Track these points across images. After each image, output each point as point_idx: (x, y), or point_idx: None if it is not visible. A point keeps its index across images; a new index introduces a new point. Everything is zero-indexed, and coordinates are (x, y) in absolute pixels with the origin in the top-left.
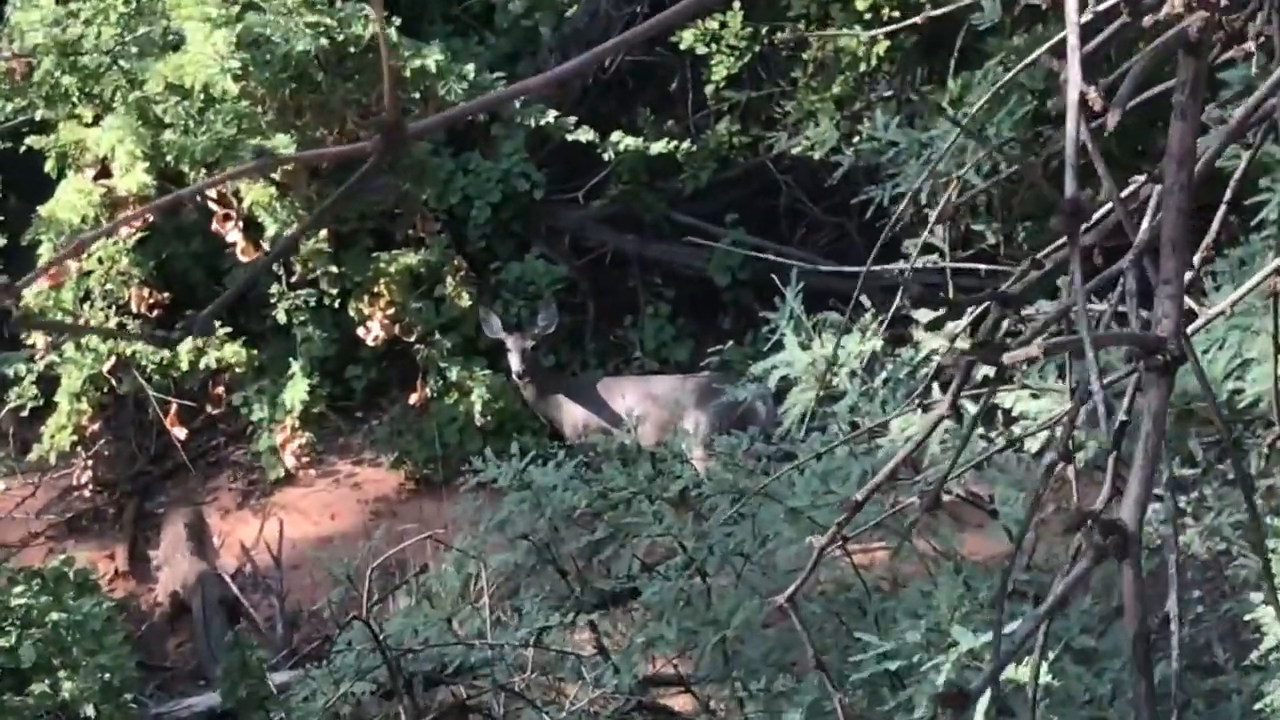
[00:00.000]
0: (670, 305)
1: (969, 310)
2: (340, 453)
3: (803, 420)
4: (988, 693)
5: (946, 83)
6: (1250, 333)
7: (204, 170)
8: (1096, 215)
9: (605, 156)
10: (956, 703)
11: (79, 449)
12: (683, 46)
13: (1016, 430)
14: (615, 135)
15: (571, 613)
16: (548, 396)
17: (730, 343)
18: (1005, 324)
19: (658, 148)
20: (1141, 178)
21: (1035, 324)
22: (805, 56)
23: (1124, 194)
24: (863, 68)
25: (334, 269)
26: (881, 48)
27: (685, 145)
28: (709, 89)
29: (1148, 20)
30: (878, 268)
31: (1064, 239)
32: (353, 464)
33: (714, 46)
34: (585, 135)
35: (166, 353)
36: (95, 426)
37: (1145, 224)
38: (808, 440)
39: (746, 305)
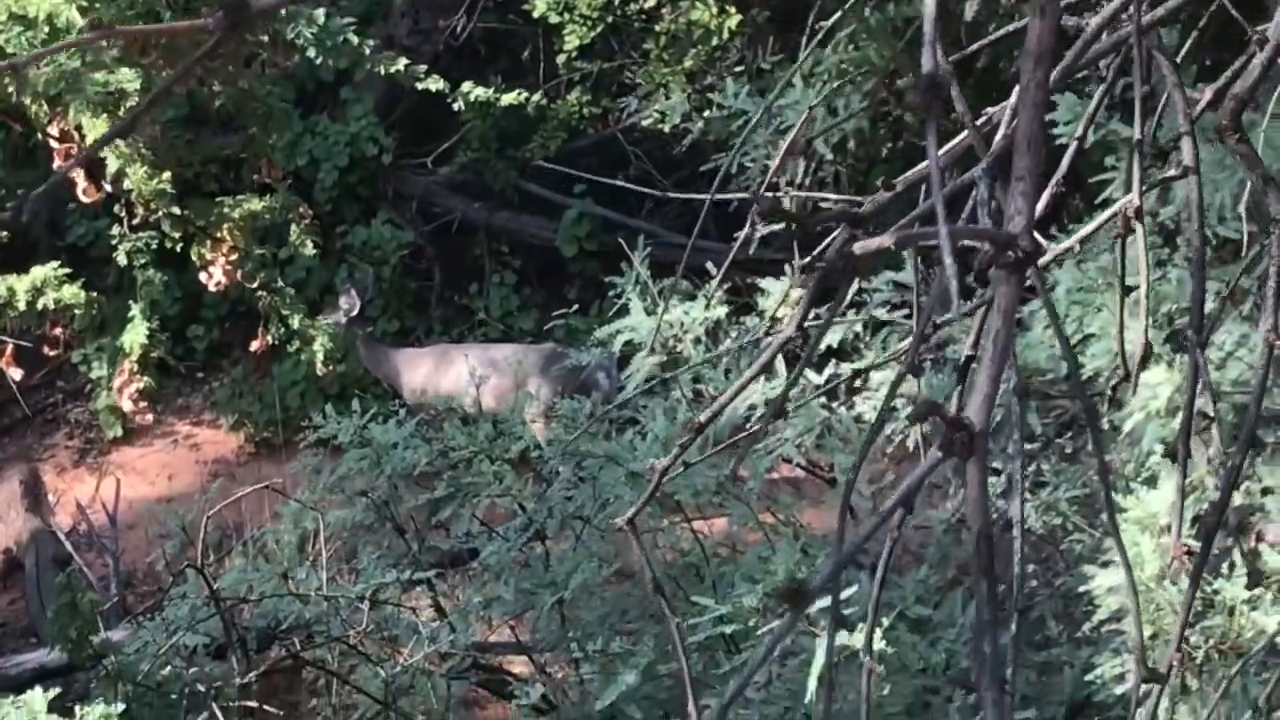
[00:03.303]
0: (516, 274)
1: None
2: (179, 414)
3: (645, 386)
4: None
5: (797, 58)
6: (1092, 309)
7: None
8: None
9: (455, 107)
10: (796, 600)
11: None
12: (535, 14)
13: (858, 401)
14: (466, 85)
15: (409, 570)
16: (385, 361)
17: (575, 309)
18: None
19: (508, 99)
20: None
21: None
22: (658, 29)
23: (979, 121)
24: (714, 41)
25: (176, 210)
26: (733, 21)
27: (537, 98)
28: (560, 58)
29: None
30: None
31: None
32: (192, 425)
33: (566, 16)
34: (435, 85)
35: (3, 291)
36: None
37: (998, 138)
38: (649, 406)
39: (593, 276)
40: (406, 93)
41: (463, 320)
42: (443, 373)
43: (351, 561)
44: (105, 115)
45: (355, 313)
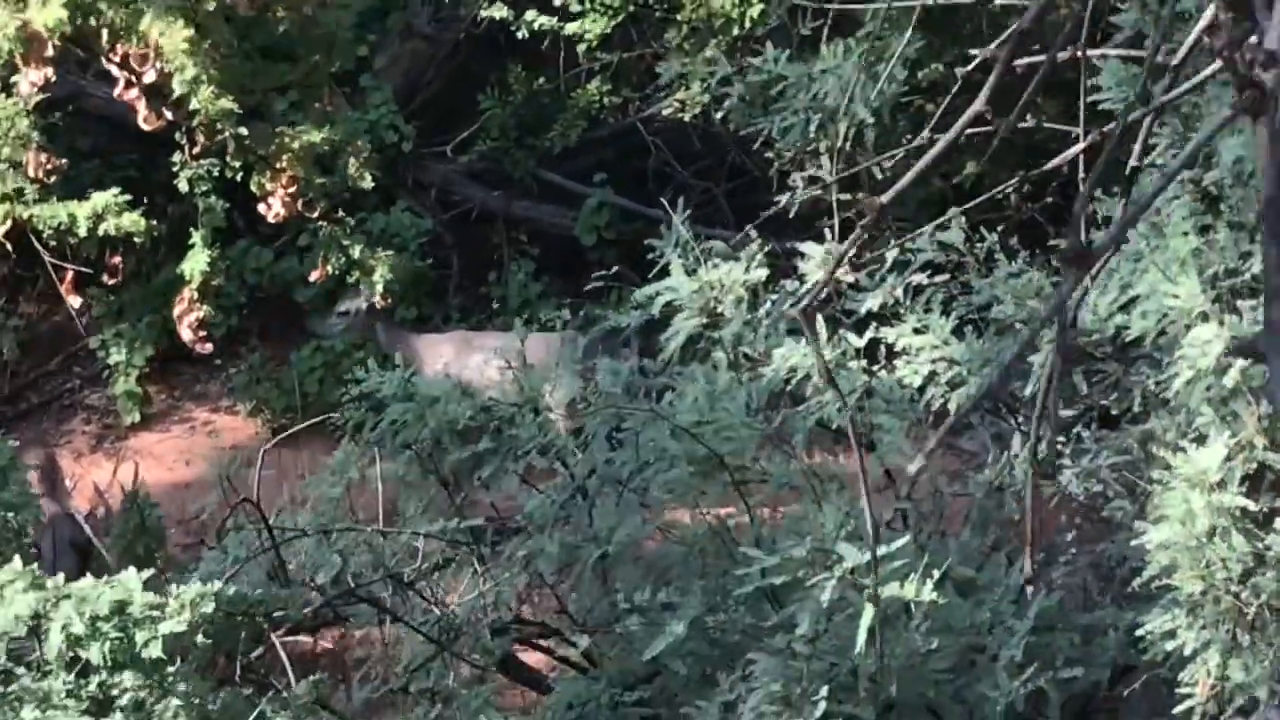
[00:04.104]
0: (535, 263)
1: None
2: (197, 400)
3: (685, 348)
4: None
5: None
6: (1139, 268)
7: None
8: None
9: (519, 35)
10: (1080, 261)
11: None
12: (556, 3)
13: (900, 365)
14: (530, 14)
15: (456, 520)
16: (405, 347)
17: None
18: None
19: (572, 28)
20: None
21: None
22: (679, 19)
23: None
24: (736, 31)
25: (243, 131)
26: (755, 10)
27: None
28: (581, 48)
29: None
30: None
31: None
32: (210, 411)
33: (588, 4)
34: (499, 12)
35: (65, 217)
36: None
37: None
38: (685, 373)
39: (611, 266)
40: (426, 81)
41: (481, 308)
42: (464, 360)
43: (394, 518)
44: (182, 22)
45: (375, 299)
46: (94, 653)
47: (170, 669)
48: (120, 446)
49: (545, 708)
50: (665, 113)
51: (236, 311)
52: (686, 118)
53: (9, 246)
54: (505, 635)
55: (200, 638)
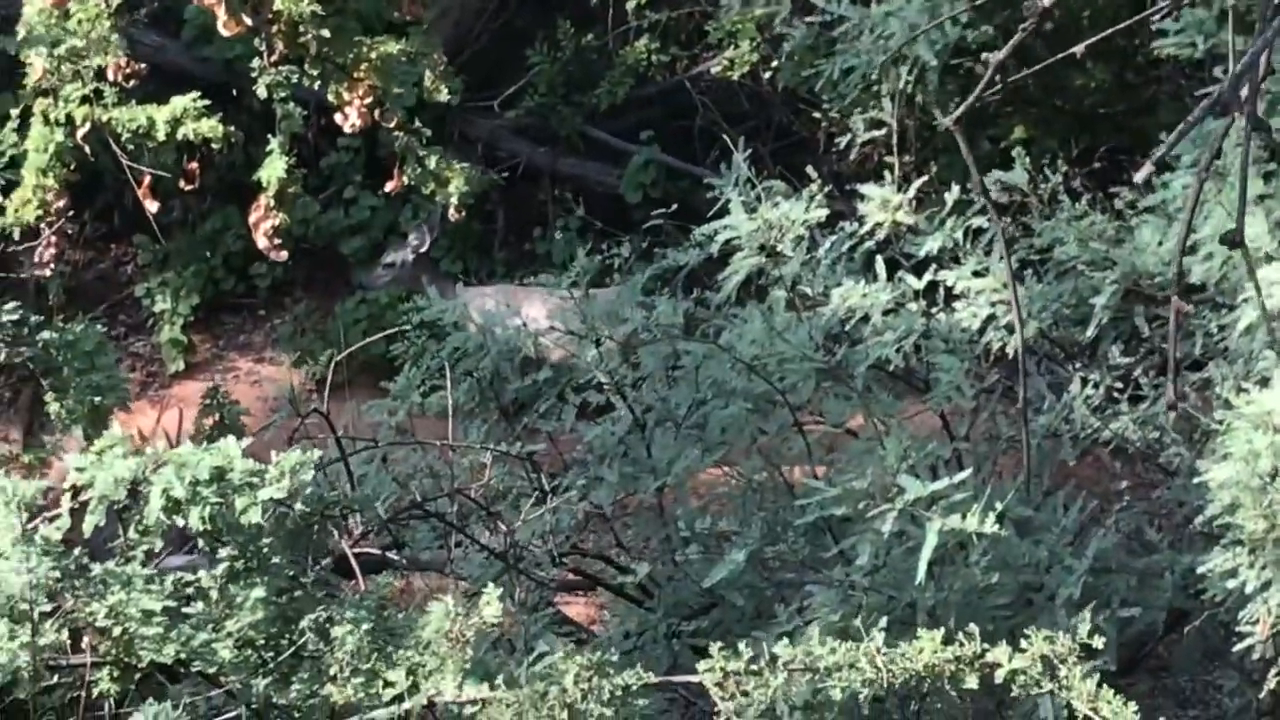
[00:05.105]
0: (580, 220)
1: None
2: (241, 350)
3: (746, 285)
4: None
5: None
6: (1202, 212)
7: None
8: None
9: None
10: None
11: (43, 225)
12: None
13: (959, 307)
14: None
15: (518, 443)
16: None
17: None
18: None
19: None
20: None
21: None
22: None
23: None
24: None
25: (326, 33)
26: None
27: None
28: (630, 5)
29: None
30: None
31: None
32: (254, 361)
33: None
34: None
35: (144, 121)
36: (61, 203)
37: None
38: (739, 314)
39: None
40: (475, 35)
41: (525, 264)
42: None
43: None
44: None
45: (425, 248)
46: (193, 517)
47: (265, 541)
48: (164, 394)
49: (600, 639)
50: (713, 71)
51: (282, 262)
52: (735, 76)
53: (87, 149)
54: (562, 567)
55: (300, 505)
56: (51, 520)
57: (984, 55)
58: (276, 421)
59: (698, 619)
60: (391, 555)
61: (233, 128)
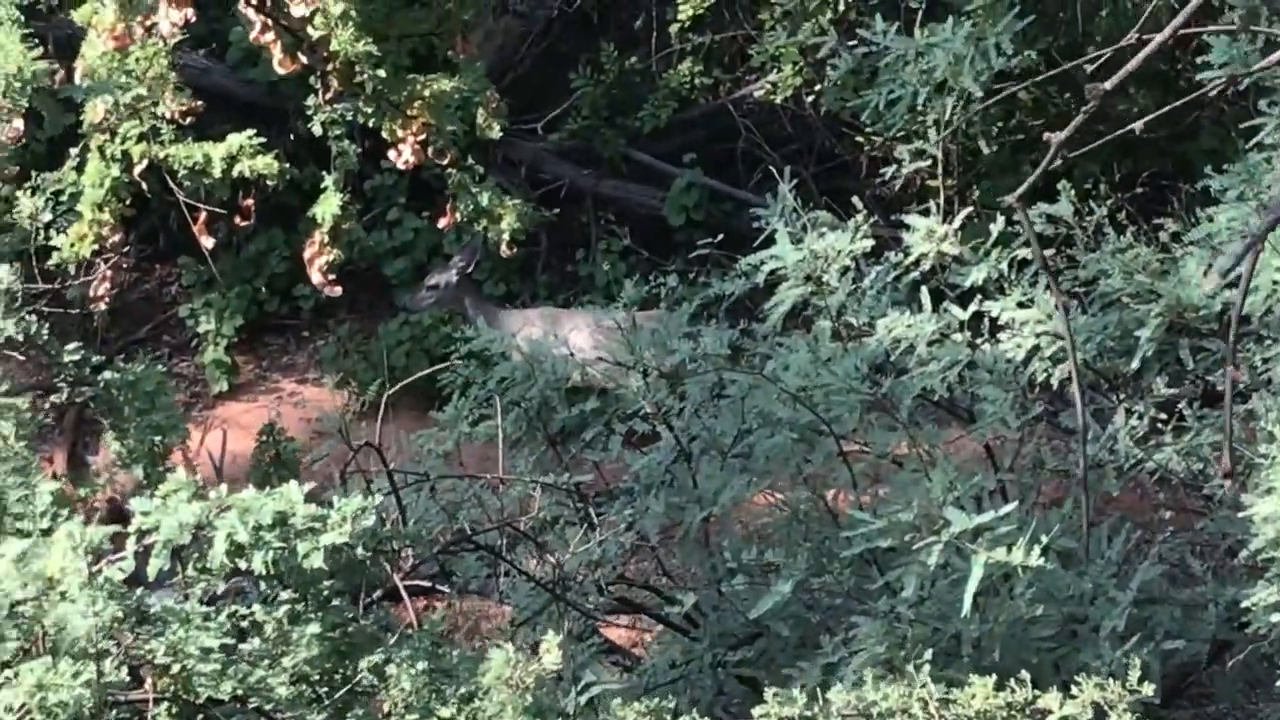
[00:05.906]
0: (623, 243)
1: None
2: (285, 371)
3: (791, 315)
4: None
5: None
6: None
7: None
8: None
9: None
10: None
11: (98, 260)
12: None
13: (1003, 338)
14: None
15: (566, 474)
16: (494, 322)
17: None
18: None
19: None
20: None
21: None
22: (772, 1)
23: None
24: (829, 15)
25: (381, 73)
26: None
27: None
28: (674, 29)
29: None
30: None
31: None
32: (296, 382)
33: None
34: None
35: (200, 158)
36: (117, 237)
37: None
38: (786, 344)
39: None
40: (518, 59)
41: (568, 287)
42: (553, 335)
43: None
44: None
45: (468, 270)
46: (256, 561)
47: (325, 583)
48: (208, 415)
49: (645, 668)
50: (756, 95)
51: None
52: (778, 100)
53: (144, 185)
54: (609, 594)
55: (360, 550)
56: (115, 562)
57: (1046, 135)
58: (326, 453)
59: (743, 649)
60: (441, 587)
61: (286, 164)
